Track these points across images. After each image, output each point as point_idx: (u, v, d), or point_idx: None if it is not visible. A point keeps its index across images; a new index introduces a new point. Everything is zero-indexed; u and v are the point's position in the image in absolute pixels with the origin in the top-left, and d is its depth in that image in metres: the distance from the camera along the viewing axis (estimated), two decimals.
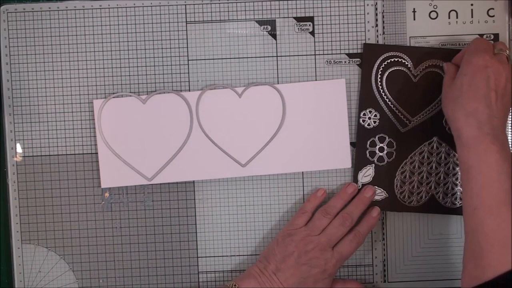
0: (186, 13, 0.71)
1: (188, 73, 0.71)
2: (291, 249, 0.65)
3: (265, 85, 0.71)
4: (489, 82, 0.60)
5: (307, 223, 0.68)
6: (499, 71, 0.61)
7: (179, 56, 0.71)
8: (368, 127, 0.71)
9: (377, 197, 0.71)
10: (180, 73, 0.71)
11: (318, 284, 0.65)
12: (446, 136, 0.70)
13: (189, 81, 0.71)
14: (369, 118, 0.71)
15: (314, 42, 0.71)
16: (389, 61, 0.70)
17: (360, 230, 0.67)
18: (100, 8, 0.71)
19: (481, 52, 0.62)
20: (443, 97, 0.65)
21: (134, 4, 0.71)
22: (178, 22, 0.71)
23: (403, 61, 0.70)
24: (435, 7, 0.71)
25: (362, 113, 0.71)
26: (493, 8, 0.71)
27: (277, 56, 0.71)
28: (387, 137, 0.71)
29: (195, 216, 0.72)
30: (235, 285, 0.64)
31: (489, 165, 0.58)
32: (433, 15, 0.71)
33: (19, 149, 0.71)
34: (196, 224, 0.72)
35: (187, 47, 0.71)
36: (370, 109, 0.70)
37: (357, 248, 0.67)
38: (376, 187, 0.70)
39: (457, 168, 0.70)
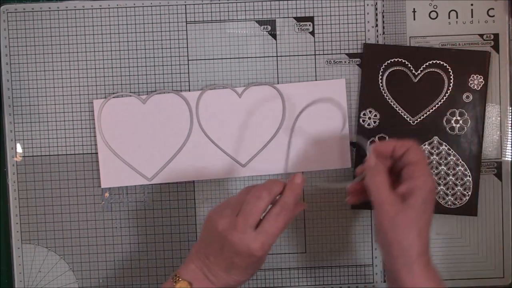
0: (186, 13, 0.71)
1: (188, 73, 0.71)
2: (214, 234, 0.57)
3: (265, 85, 0.71)
4: (432, 206, 0.57)
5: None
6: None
7: (179, 56, 0.71)
8: (368, 127, 0.71)
9: None
10: (180, 73, 0.71)
11: (251, 265, 0.57)
12: (446, 136, 0.70)
13: (189, 81, 0.71)
14: (369, 118, 0.71)
15: (314, 42, 0.71)
16: (389, 61, 0.70)
17: (285, 199, 0.57)
18: (100, 8, 0.71)
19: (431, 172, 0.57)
20: (390, 216, 0.56)
21: (134, 4, 0.71)
22: (178, 22, 0.71)
23: (403, 61, 0.70)
24: (435, 7, 0.71)
25: (362, 113, 0.71)
26: (493, 8, 0.71)
27: (277, 56, 0.71)
28: (387, 137, 0.71)
29: (195, 216, 0.72)
30: (176, 277, 0.58)
31: None
32: (433, 15, 0.71)
33: (19, 149, 0.71)
34: (196, 224, 0.72)
35: (187, 47, 0.71)
36: (370, 109, 0.70)
37: (287, 222, 0.57)
38: None
39: (458, 168, 0.70)
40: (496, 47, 0.71)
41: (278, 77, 0.71)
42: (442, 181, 0.70)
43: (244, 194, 0.58)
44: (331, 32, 0.71)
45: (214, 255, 0.57)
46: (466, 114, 0.70)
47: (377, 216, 0.57)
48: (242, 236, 0.56)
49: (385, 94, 0.70)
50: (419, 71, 0.70)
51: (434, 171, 0.70)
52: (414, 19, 0.71)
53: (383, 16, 0.71)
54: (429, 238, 0.56)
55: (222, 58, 0.71)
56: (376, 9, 0.71)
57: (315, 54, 0.71)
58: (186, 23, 0.71)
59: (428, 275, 0.55)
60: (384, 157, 0.60)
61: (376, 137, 0.71)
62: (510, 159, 0.71)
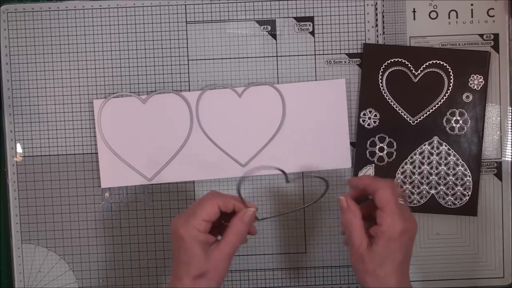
0: (186, 13, 0.71)
1: (188, 73, 0.71)
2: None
3: (265, 85, 0.71)
4: (408, 250, 0.59)
5: None
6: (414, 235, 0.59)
7: (179, 56, 0.71)
8: (368, 127, 0.71)
9: None
10: (180, 73, 0.71)
11: (184, 252, 0.58)
12: (446, 136, 0.70)
13: (189, 81, 0.71)
14: (369, 118, 0.71)
15: (314, 42, 0.71)
16: (389, 61, 0.70)
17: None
18: (100, 8, 0.71)
19: (405, 213, 0.59)
20: (357, 259, 0.58)
21: (134, 4, 0.71)
22: (178, 22, 0.71)
23: (403, 61, 0.70)
24: (435, 7, 0.71)
25: (362, 113, 0.71)
26: (493, 8, 0.71)
27: (277, 56, 0.71)
28: (387, 137, 0.71)
29: None
30: None
31: None
32: (433, 15, 0.71)
33: (19, 149, 0.71)
34: None
35: (187, 47, 0.71)
36: (370, 109, 0.70)
37: (210, 208, 0.59)
38: None
39: (458, 168, 0.70)
40: (496, 47, 0.71)
41: (278, 77, 0.71)
42: (442, 181, 0.70)
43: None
44: (331, 32, 0.71)
45: (181, 261, 0.58)
46: (466, 114, 0.70)
47: (351, 256, 0.59)
48: (188, 227, 0.58)
49: (385, 94, 0.70)
50: (419, 71, 0.70)
51: (434, 171, 0.70)
52: (414, 19, 0.71)
53: (383, 16, 0.71)
54: (399, 279, 0.57)
55: (222, 58, 0.71)
56: (376, 9, 0.71)
57: (315, 54, 0.71)
58: (186, 23, 0.71)
59: None
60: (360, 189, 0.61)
61: (376, 137, 0.71)
62: (510, 159, 0.71)
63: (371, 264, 0.58)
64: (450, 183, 0.70)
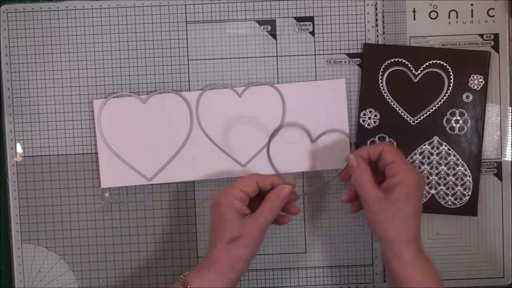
0: (186, 13, 0.71)
1: (188, 73, 0.71)
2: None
3: (265, 85, 0.71)
4: (421, 203, 0.61)
5: None
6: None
7: (179, 56, 0.71)
8: (368, 127, 0.71)
9: None
10: (180, 73, 0.71)
11: (218, 219, 0.61)
12: (446, 136, 0.70)
13: (189, 81, 0.71)
14: (369, 118, 0.71)
15: (314, 42, 0.71)
16: (389, 61, 0.70)
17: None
18: (100, 8, 0.71)
19: (412, 167, 0.61)
20: (374, 212, 0.60)
21: (134, 4, 0.71)
22: (178, 22, 0.71)
23: (403, 61, 0.70)
24: (435, 7, 0.71)
25: (362, 113, 0.71)
26: (493, 8, 0.71)
27: (277, 56, 0.71)
28: (387, 137, 0.71)
29: (195, 216, 0.72)
30: (185, 282, 0.61)
31: (433, 279, 0.59)
32: (433, 15, 0.71)
33: (19, 149, 0.71)
34: (196, 224, 0.72)
35: (187, 47, 0.71)
36: (370, 109, 0.70)
37: (253, 180, 0.62)
38: None
39: (458, 168, 0.70)
40: (496, 47, 0.71)
41: (278, 77, 0.71)
42: (442, 181, 0.70)
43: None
44: (331, 32, 0.71)
45: (216, 227, 0.61)
46: (466, 114, 0.70)
47: (365, 211, 0.61)
48: (225, 195, 0.61)
49: (385, 94, 0.70)
50: (419, 71, 0.70)
51: (434, 171, 0.70)
52: (414, 19, 0.71)
53: (383, 16, 0.71)
54: (418, 227, 0.60)
55: (222, 58, 0.71)
56: (376, 9, 0.71)
57: (315, 54, 0.71)
58: (186, 23, 0.71)
59: (418, 261, 0.59)
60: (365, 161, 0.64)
61: (376, 137, 0.71)
62: (510, 159, 0.71)
63: (391, 209, 0.59)
64: (450, 183, 0.70)
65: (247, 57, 0.71)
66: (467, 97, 0.70)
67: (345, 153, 0.70)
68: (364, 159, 0.63)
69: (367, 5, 0.71)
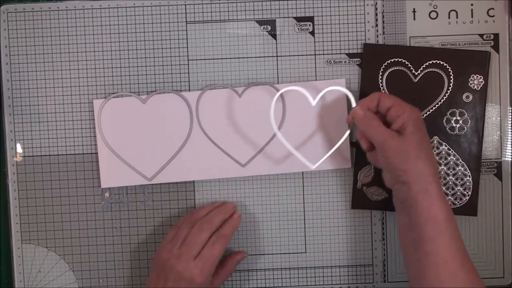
0: (186, 13, 0.71)
1: (188, 73, 0.71)
2: (159, 266, 0.64)
3: (265, 85, 0.71)
4: (426, 132, 0.63)
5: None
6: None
7: (179, 56, 0.71)
8: None
9: (377, 197, 0.71)
10: (180, 73, 0.71)
11: None
12: (446, 136, 0.70)
13: (189, 81, 0.71)
14: None
15: (314, 42, 0.71)
16: (389, 61, 0.70)
17: (222, 231, 0.65)
18: (100, 8, 0.71)
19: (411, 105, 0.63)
20: (396, 149, 0.60)
21: (134, 4, 0.71)
22: (178, 22, 0.71)
23: (403, 61, 0.70)
24: (435, 7, 0.71)
25: None
26: (493, 8, 0.71)
27: (277, 56, 0.71)
28: None
29: None
30: None
31: (453, 218, 0.60)
32: (433, 15, 0.71)
33: (19, 149, 0.71)
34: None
35: (187, 47, 0.71)
36: None
37: (222, 250, 0.64)
38: (376, 187, 0.70)
39: (458, 168, 0.70)
40: (496, 47, 0.71)
41: (278, 77, 0.71)
42: (442, 181, 0.70)
43: (181, 227, 0.66)
44: (331, 32, 0.71)
45: (161, 284, 0.63)
46: (466, 114, 0.70)
47: (384, 153, 0.61)
48: (185, 264, 0.62)
49: None
50: (419, 71, 0.70)
51: None
52: (414, 19, 0.71)
53: (383, 16, 0.71)
54: (436, 163, 0.61)
55: (222, 58, 0.71)
56: (376, 9, 0.71)
57: (315, 54, 0.71)
58: (186, 23, 0.71)
59: (442, 196, 0.60)
60: None
61: None
62: (510, 159, 0.71)
63: (412, 143, 0.60)
64: (450, 183, 0.70)
65: (247, 57, 0.71)
66: (467, 97, 0.70)
67: (345, 153, 0.70)
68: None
69: (367, 5, 0.71)
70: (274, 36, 0.71)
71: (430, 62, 0.70)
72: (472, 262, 0.59)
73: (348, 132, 0.65)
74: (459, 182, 0.70)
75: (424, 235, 0.59)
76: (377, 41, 0.71)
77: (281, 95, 0.70)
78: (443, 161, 0.70)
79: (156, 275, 0.64)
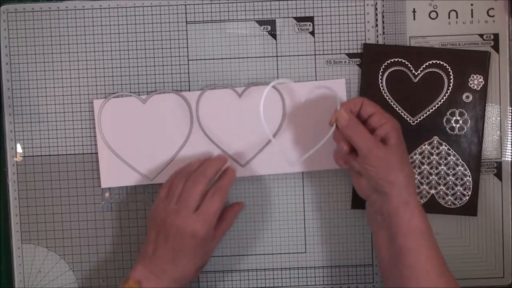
0: (186, 13, 0.71)
1: (188, 73, 0.71)
2: (157, 226, 0.62)
3: (265, 85, 0.71)
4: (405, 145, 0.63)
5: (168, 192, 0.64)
6: None
7: (179, 56, 0.71)
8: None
9: None
10: (180, 73, 0.71)
11: (198, 250, 0.61)
12: (446, 136, 0.70)
13: (189, 81, 0.71)
14: None
15: (314, 42, 0.71)
16: (389, 61, 0.70)
17: (219, 184, 0.63)
18: (100, 8, 0.71)
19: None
20: (379, 158, 0.60)
21: (134, 4, 0.71)
22: (178, 22, 0.71)
23: (403, 61, 0.70)
24: (435, 7, 0.71)
25: None
26: (493, 8, 0.71)
27: (277, 56, 0.71)
28: None
29: None
30: (127, 278, 0.61)
31: (431, 229, 0.60)
32: (433, 15, 0.71)
33: (19, 149, 0.71)
34: None
35: (187, 47, 0.71)
36: None
37: (222, 202, 0.62)
38: None
39: (458, 168, 0.70)
40: (496, 47, 0.71)
41: (278, 77, 0.71)
42: (442, 181, 0.70)
43: (173, 182, 0.64)
44: (331, 32, 0.71)
45: (160, 247, 0.61)
46: (466, 114, 0.70)
47: (368, 161, 0.60)
48: (185, 219, 0.60)
49: (385, 94, 0.70)
50: (419, 71, 0.70)
51: (434, 171, 0.70)
52: (414, 19, 0.71)
53: (383, 16, 0.71)
54: (414, 175, 0.63)
55: (222, 58, 0.71)
56: (376, 9, 0.71)
57: (315, 54, 0.71)
58: (186, 23, 0.71)
59: (421, 208, 0.60)
60: None
61: None
62: (510, 159, 0.71)
63: (395, 155, 0.60)
64: (450, 183, 0.70)
65: (247, 57, 0.71)
66: (467, 97, 0.70)
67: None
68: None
69: (367, 5, 0.71)
70: (274, 36, 0.71)
71: (430, 62, 0.70)
72: (450, 271, 0.60)
73: (333, 129, 0.64)
74: (459, 182, 0.70)
75: (405, 248, 0.59)
76: (377, 41, 0.71)
77: (281, 95, 0.70)
78: (443, 161, 0.70)
79: (155, 234, 0.62)
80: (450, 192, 0.70)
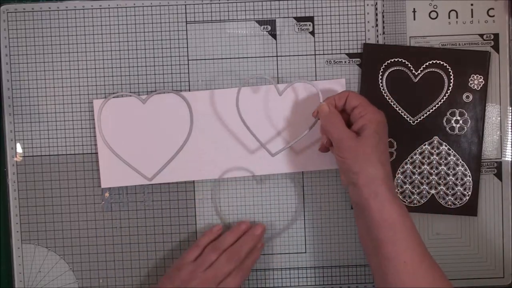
0: (186, 13, 0.71)
1: (188, 73, 0.71)
2: (177, 284, 0.64)
3: (265, 85, 0.71)
4: (385, 136, 0.64)
5: (197, 258, 0.66)
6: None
7: (179, 56, 0.71)
8: None
9: None
10: (180, 73, 0.71)
11: None
12: (446, 136, 0.70)
13: (189, 81, 0.71)
14: None
15: (314, 42, 0.71)
16: (389, 61, 0.70)
17: (245, 264, 0.67)
18: (100, 8, 0.71)
19: (376, 108, 0.64)
20: (350, 149, 0.61)
21: (134, 4, 0.71)
22: (178, 22, 0.71)
23: (403, 61, 0.70)
24: (435, 7, 0.71)
25: None
26: (493, 8, 0.71)
27: (277, 56, 0.71)
28: None
29: (195, 216, 0.72)
30: None
31: (409, 218, 0.60)
32: (433, 15, 0.71)
33: (19, 149, 0.71)
34: (196, 224, 0.72)
35: (187, 47, 0.71)
36: None
37: (242, 281, 0.66)
38: None
39: (458, 168, 0.70)
40: (496, 47, 0.71)
41: (278, 77, 0.71)
42: (442, 181, 0.70)
43: (205, 251, 0.67)
44: (331, 32, 0.71)
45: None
46: (466, 114, 0.70)
47: (340, 152, 0.62)
48: None
49: (385, 94, 0.70)
50: (419, 71, 0.70)
51: (434, 171, 0.70)
52: (414, 19, 0.71)
53: (383, 16, 0.71)
54: (389, 166, 0.62)
55: (222, 58, 0.71)
56: (376, 9, 0.71)
57: (315, 54, 0.71)
58: (186, 23, 0.71)
59: (394, 199, 0.60)
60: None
61: None
62: (510, 159, 0.71)
63: (366, 147, 0.60)
64: (450, 183, 0.70)
65: (247, 57, 0.71)
66: (467, 97, 0.70)
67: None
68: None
69: (367, 5, 0.71)
70: (274, 36, 0.71)
71: (430, 62, 0.70)
72: (433, 260, 0.60)
73: (315, 121, 0.66)
74: (459, 182, 0.70)
75: (380, 238, 0.59)
76: (377, 41, 0.71)
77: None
78: (443, 161, 0.70)
79: (171, 284, 0.64)
80: (450, 192, 0.70)
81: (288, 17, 0.71)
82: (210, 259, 0.65)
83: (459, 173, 0.70)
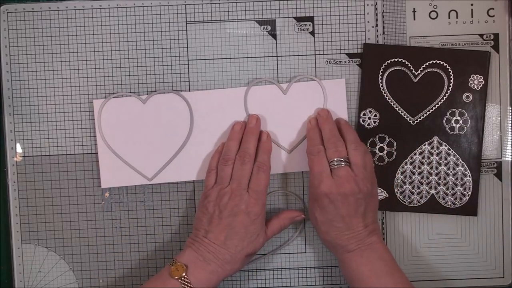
0: (186, 13, 0.71)
1: (188, 73, 0.71)
2: (211, 209, 0.65)
3: (265, 85, 0.71)
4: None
5: (217, 179, 0.67)
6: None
7: (179, 56, 0.71)
8: (368, 127, 0.71)
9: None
10: (180, 73, 0.71)
11: (250, 228, 0.64)
12: (446, 136, 0.70)
13: (189, 81, 0.71)
14: (369, 118, 0.71)
15: (314, 42, 0.71)
16: (389, 61, 0.70)
17: (260, 159, 0.67)
18: (100, 8, 0.71)
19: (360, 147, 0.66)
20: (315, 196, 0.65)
21: (134, 4, 0.71)
22: (178, 22, 0.71)
23: (403, 61, 0.70)
24: (435, 7, 0.71)
25: (362, 113, 0.71)
26: (493, 8, 0.71)
27: (277, 56, 0.71)
28: (387, 137, 0.71)
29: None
30: (173, 261, 0.63)
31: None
32: (433, 15, 0.71)
33: (19, 149, 0.71)
34: None
35: (187, 47, 0.71)
36: (370, 109, 0.70)
37: (267, 177, 0.66)
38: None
39: (458, 168, 0.70)
40: (496, 47, 0.71)
41: (278, 77, 0.71)
42: (442, 181, 0.70)
43: (218, 169, 0.67)
44: (331, 32, 0.71)
45: (213, 229, 0.64)
46: (466, 114, 0.70)
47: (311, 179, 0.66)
48: (240, 197, 0.64)
49: (385, 94, 0.70)
50: (419, 71, 0.70)
51: (434, 171, 0.70)
52: (414, 19, 0.71)
53: (383, 16, 0.71)
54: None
55: (222, 58, 0.71)
56: (376, 9, 0.71)
57: (315, 54, 0.71)
58: (186, 23, 0.71)
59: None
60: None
61: (376, 137, 0.71)
62: (510, 159, 0.71)
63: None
64: (450, 183, 0.70)
65: (247, 57, 0.71)
66: (467, 97, 0.70)
67: None
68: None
69: (367, 5, 0.71)
70: (274, 36, 0.71)
71: (430, 62, 0.70)
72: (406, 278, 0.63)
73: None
74: (459, 182, 0.70)
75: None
76: (377, 41, 0.71)
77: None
78: (443, 161, 0.70)
79: (207, 218, 0.65)
80: (450, 192, 0.70)
81: (288, 17, 0.71)
82: (227, 173, 0.66)
83: (459, 173, 0.70)
